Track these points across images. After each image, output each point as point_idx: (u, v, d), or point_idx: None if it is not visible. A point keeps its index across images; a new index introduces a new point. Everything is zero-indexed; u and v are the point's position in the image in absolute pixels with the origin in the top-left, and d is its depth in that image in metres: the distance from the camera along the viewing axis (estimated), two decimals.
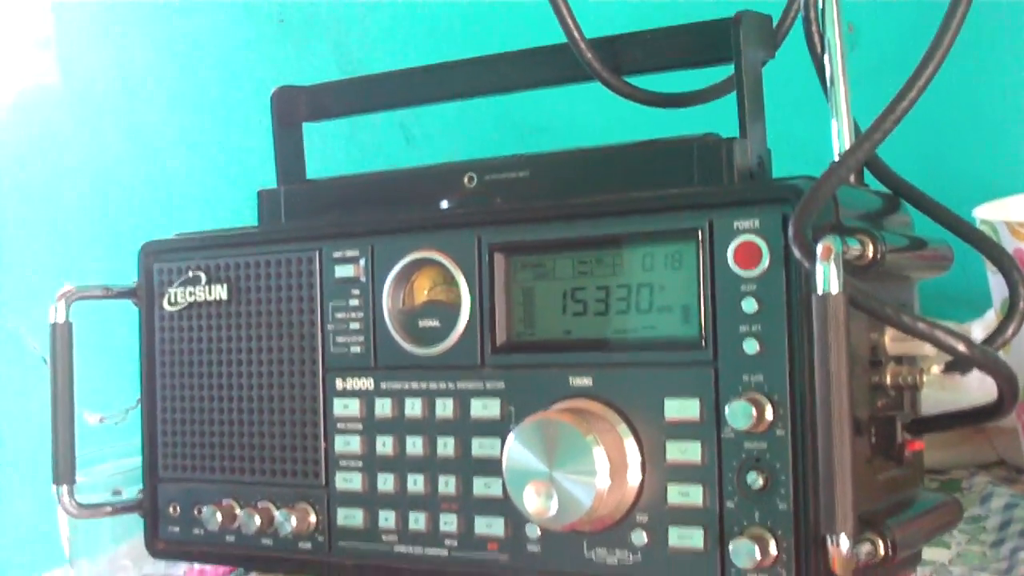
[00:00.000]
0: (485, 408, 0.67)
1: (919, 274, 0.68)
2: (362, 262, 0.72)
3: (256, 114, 1.28)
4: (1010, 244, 0.70)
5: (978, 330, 0.93)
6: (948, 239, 0.69)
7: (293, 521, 0.72)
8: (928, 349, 0.63)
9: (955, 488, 0.87)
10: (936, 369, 0.63)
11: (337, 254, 0.72)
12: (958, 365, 0.63)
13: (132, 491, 0.82)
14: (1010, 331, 0.64)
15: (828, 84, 0.70)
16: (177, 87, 1.45)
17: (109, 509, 0.80)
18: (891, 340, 0.63)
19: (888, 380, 0.63)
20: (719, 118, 0.75)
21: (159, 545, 0.80)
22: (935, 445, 0.90)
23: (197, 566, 0.84)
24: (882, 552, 0.58)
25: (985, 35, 0.98)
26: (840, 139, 0.69)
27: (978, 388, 0.72)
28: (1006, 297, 0.71)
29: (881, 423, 0.63)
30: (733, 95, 0.74)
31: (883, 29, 1.01)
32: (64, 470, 0.77)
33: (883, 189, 0.69)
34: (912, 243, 0.66)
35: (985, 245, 0.68)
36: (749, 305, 0.60)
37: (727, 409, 0.60)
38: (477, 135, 1.25)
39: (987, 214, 0.74)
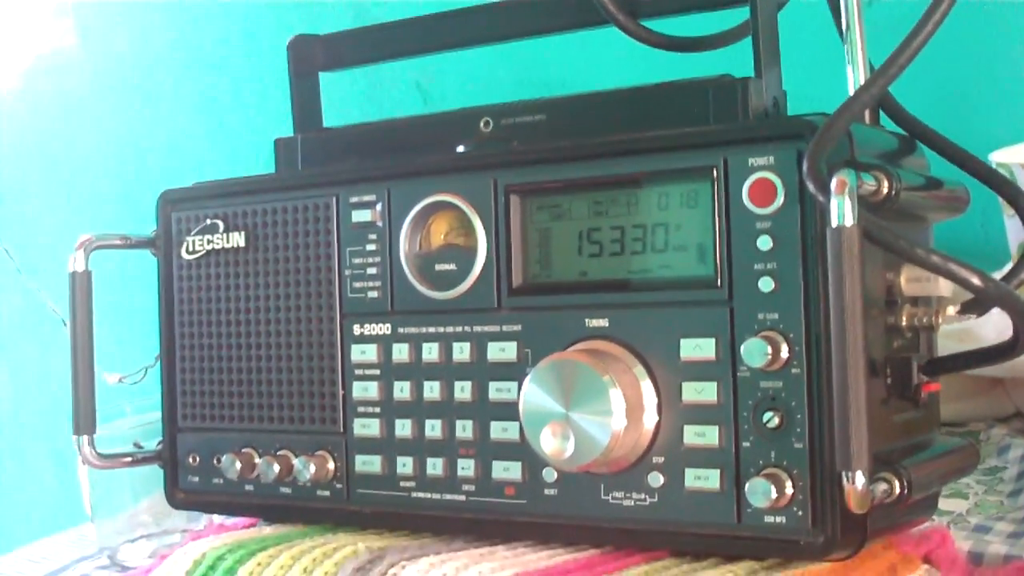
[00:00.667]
0: (502, 351, 0.67)
1: (934, 215, 0.67)
2: (379, 207, 0.72)
3: (272, 71, 1.28)
4: None
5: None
6: (965, 183, 0.68)
7: (312, 468, 0.72)
8: (944, 290, 0.62)
9: (974, 440, 0.87)
10: (952, 310, 0.63)
11: (354, 199, 0.72)
12: (974, 306, 0.62)
13: (153, 444, 0.82)
14: None
15: (844, 29, 0.69)
16: (192, 45, 1.45)
17: (129, 459, 0.80)
18: (907, 280, 0.62)
19: (904, 321, 0.62)
20: (736, 64, 0.74)
21: (179, 495, 0.80)
22: (953, 397, 0.90)
23: (217, 519, 0.84)
24: (897, 491, 0.58)
25: None
26: (856, 84, 0.68)
27: (996, 339, 0.71)
28: (1023, 240, 0.71)
29: (897, 364, 0.63)
30: (749, 39, 0.74)
31: None
32: (85, 420, 0.77)
33: (899, 131, 0.69)
34: (928, 183, 0.65)
35: (1001, 185, 0.67)
36: (764, 243, 0.60)
37: (742, 348, 0.60)
38: (493, 89, 1.25)
39: (1003, 158, 0.74)
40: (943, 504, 0.74)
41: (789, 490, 0.59)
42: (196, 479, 0.79)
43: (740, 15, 0.72)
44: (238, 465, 0.75)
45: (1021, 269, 0.64)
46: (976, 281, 0.56)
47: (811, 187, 0.57)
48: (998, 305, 0.58)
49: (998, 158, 0.74)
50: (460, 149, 0.72)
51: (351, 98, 1.27)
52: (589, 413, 0.62)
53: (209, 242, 0.77)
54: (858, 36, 0.69)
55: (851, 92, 0.68)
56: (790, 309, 0.60)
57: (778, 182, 0.60)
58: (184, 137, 1.45)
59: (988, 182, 0.68)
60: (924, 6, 0.60)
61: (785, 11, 0.69)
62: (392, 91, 1.27)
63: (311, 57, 0.82)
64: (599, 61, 1.11)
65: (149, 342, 0.83)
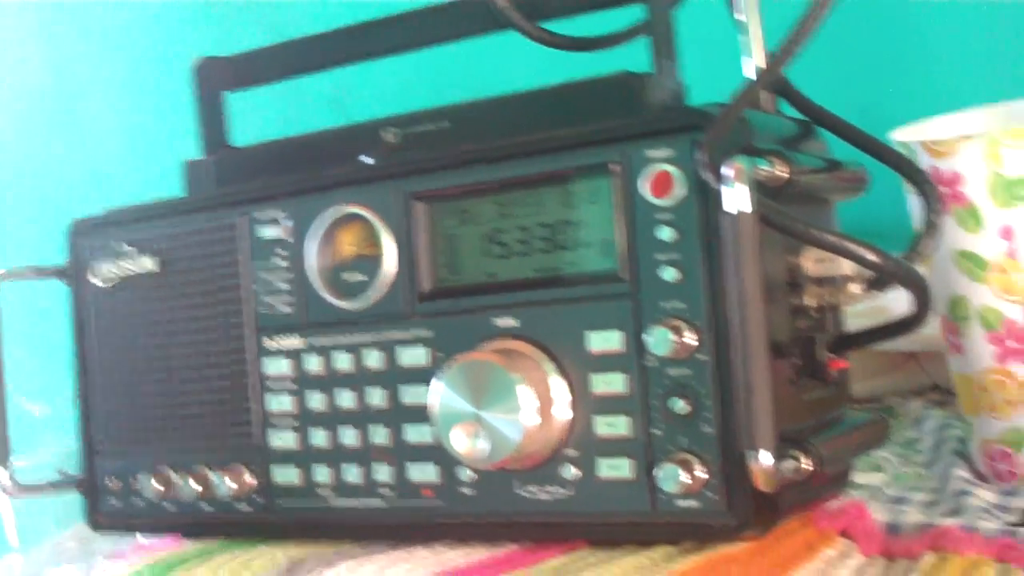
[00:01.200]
0: (414, 356, 0.67)
1: (836, 196, 0.68)
2: (287, 222, 0.72)
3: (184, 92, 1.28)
4: (927, 163, 0.70)
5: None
6: (868, 167, 0.69)
7: (229, 483, 0.72)
8: (847, 269, 0.63)
9: (890, 414, 0.88)
10: (856, 288, 0.64)
11: (262, 216, 0.72)
12: (878, 283, 0.63)
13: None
14: (927, 245, 0.65)
15: (739, 18, 0.70)
16: (107, 70, 1.44)
17: (47, 486, 0.80)
18: (810, 262, 0.63)
19: (808, 301, 0.63)
20: (637, 61, 0.75)
21: (100, 519, 0.79)
22: (869, 375, 0.91)
23: (141, 539, 0.83)
24: (806, 467, 0.59)
25: None
26: (750, 62, 0.69)
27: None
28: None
29: (803, 343, 0.63)
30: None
31: None
32: (0, 450, 0.77)
33: (799, 116, 0.70)
34: (826, 165, 0.66)
35: (899, 163, 0.68)
36: (665, 234, 0.61)
37: (649, 337, 0.60)
38: (411, 99, 1.25)
39: (904, 136, 0.75)
40: (861, 479, 0.75)
41: (701, 474, 0.60)
42: (116, 502, 0.78)
43: (639, 13, 0.73)
44: (155, 483, 0.75)
45: (921, 244, 0.64)
46: (872, 257, 0.57)
47: (707, 176, 0.57)
48: (895, 280, 0.59)
49: (899, 136, 0.75)
50: (367, 160, 0.72)
51: (267, 120, 1.26)
52: (500, 411, 0.62)
53: (122, 268, 0.77)
54: (754, 25, 0.69)
55: (744, 70, 0.69)
56: (694, 297, 0.60)
57: (677, 173, 0.61)
58: (100, 162, 1.45)
59: (887, 161, 0.69)
60: None
61: (685, 6, 0.70)
62: (308, 106, 1.27)
63: (217, 77, 0.82)
64: (508, 65, 1.11)
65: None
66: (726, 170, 0.56)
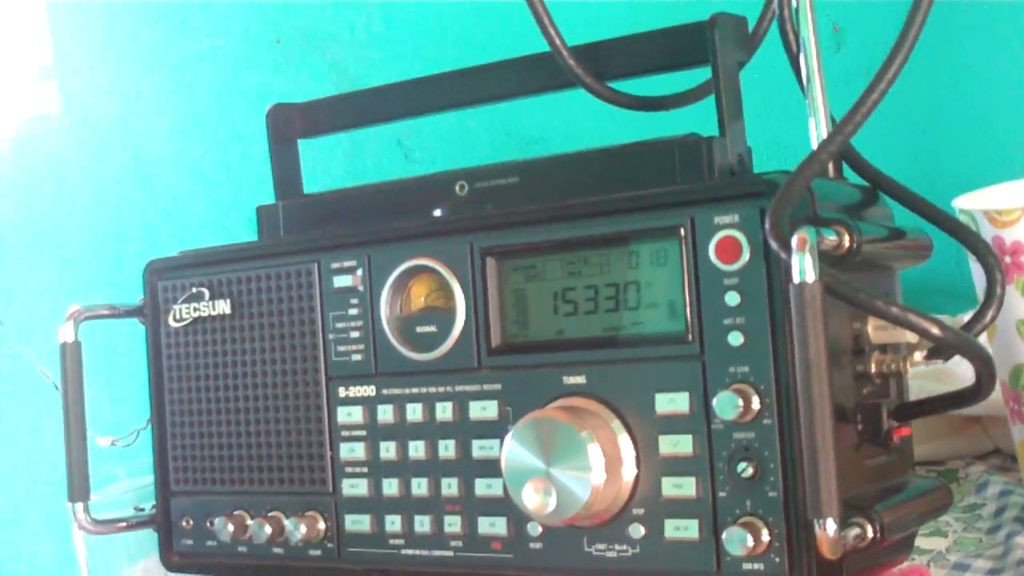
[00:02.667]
0: (483, 409, 0.69)
1: (899, 263, 0.69)
2: (359, 272, 0.74)
3: (255, 134, 1.30)
4: (989, 232, 0.71)
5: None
6: (929, 231, 0.70)
7: (303, 529, 0.74)
8: (911, 337, 0.64)
9: (952, 478, 0.89)
10: (919, 356, 0.65)
11: (335, 265, 0.74)
12: (940, 351, 0.64)
13: (148, 507, 0.84)
14: (988, 315, 0.66)
15: (805, 83, 0.71)
16: (176, 110, 1.47)
17: (124, 524, 0.82)
18: (874, 329, 0.65)
19: (872, 368, 0.64)
20: (705, 118, 0.77)
21: (174, 558, 0.81)
22: (931, 437, 0.91)
23: None
24: (870, 535, 0.60)
25: (963, 29, 0.99)
26: (818, 137, 0.71)
27: (970, 378, 0.73)
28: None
29: (867, 410, 0.64)
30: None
31: (868, 28, 1.02)
32: (78, 487, 0.79)
33: (862, 182, 0.71)
34: (890, 233, 0.67)
35: (960, 232, 0.69)
36: (732, 298, 0.62)
37: (715, 401, 0.62)
38: (474, 148, 1.27)
39: (966, 204, 0.76)
40: (923, 543, 0.76)
41: (766, 537, 0.61)
42: (190, 542, 0.80)
43: (706, 72, 0.75)
44: (231, 527, 0.77)
45: (984, 314, 0.65)
46: (935, 331, 0.58)
47: (773, 244, 0.59)
48: (958, 352, 0.60)
49: (961, 204, 0.76)
50: (437, 213, 0.74)
51: (333, 158, 1.29)
52: (569, 468, 0.63)
53: (195, 310, 0.79)
54: (818, 88, 0.71)
55: (813, 144, 0.70)
56: (759, 362, 0.61)
57: (743, 239, 0.62)
58: (170, 202, 1.47)
59: (949, 231, 0.70)
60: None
61: (748, 65, 0.72)
62: (374, 150, 1.29)
63: (290, 125, 0.84)
64: (576, 114, 1.13)
65: (139, 404, 0.84)
66: (792, 239, 0.57)
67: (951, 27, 0.99)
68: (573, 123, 1.20)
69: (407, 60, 1.28)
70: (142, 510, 0.85)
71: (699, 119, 0.77)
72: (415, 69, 0.81)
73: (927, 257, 0.71)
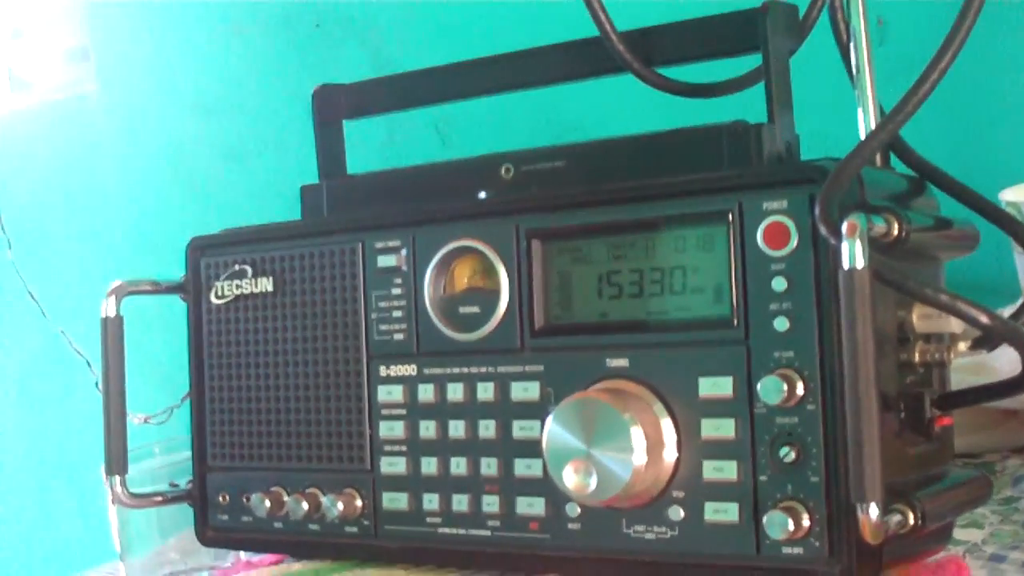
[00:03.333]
0: (525, 391, 0.69)
1: (945, 254, 0.69)
2: (404, 252, 0.74)
3: (294, 118, 1.31)
4: None
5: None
6: (975, 222, 0.70)
7: (340, 506, 0.74)
8: (955, 326, 0.64)
9: (989, 471, 0.89)
10: (963, 346, 0.65)
11: (379, 244, 0.75)
12: (984, 342, 0.64)
13: (182, 483, 0.84)
14: None
15: (854, 72, 0.71)
16: (214, 92, 1.48)
17: (160, 499, 0.82)
18: (919, 318, 0.64)
19: (916, 357, 0.64)
20: (749, 108, 0.77)
21: (209, 533, 0.82)
22: (968, 430, 0.91)
23: (244, 556, 0.86)
24: (912, 522, 0.60)
25: (1012, 22, 0.99)
26: (866, 127, 0.71)
27: (1009, 371, 0.73)
28: None
29: (910, 399, 0.65)
30: (762, 84, 0.76)
31: (912, 23, 1.02)
32: (116, 461, 0.79)
33: (909, 172, 0.71)
34: (937, 223, 0.67)
35: (1009, 224, 0.69)
36: (779, 284, 0.62)
37: (759, 385, 0.62)
38: (511, 133, 1.27)
39: (1013, 196, 0.76)
40: (959, 534, 0.76)
41: (806, 522, 0.61)
42: (225, 517, 0.81)
43: (754, 61, 0.75)
44: (267, 503, 0.77)
45: None
46: (984, 319, 0.58)
47: (823, 231, 0.59)
48: (1005, 341, 0.60)
49: (1007, 196, 0.76)
50: (482, 195, 0.75)
51: (371, 142, 1.29)
52: (610, 450, 0.64)
53: (238, 287, 0.80)
54: (868, 78, 0.71)
55: (861, 134, 0.70)
56: (805, 348, 0.62)
57: (792, 225, 0.62)
58: (206, 181, 1.48)
59: (996, 221, 0.70)
60: (938, 42, 0.62)
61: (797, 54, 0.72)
62: (411, 134, 1.30)
63: (335, 106, 0.85)
64: (616, 102, 1.13)
65: (170, 382, 0.85)
66: (842, 226, 0.57)
67: (1000, 20, 1.00)
68: (612, 110, 1.20)
69: (447, 42, 1.28)
70: (177, 486, 0.85)
71: (739, 109, 0.77)
72: (455, 51, 0.82)
73: (974, 248, 0.70)
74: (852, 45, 0.71)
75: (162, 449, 0.93)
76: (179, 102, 1.50)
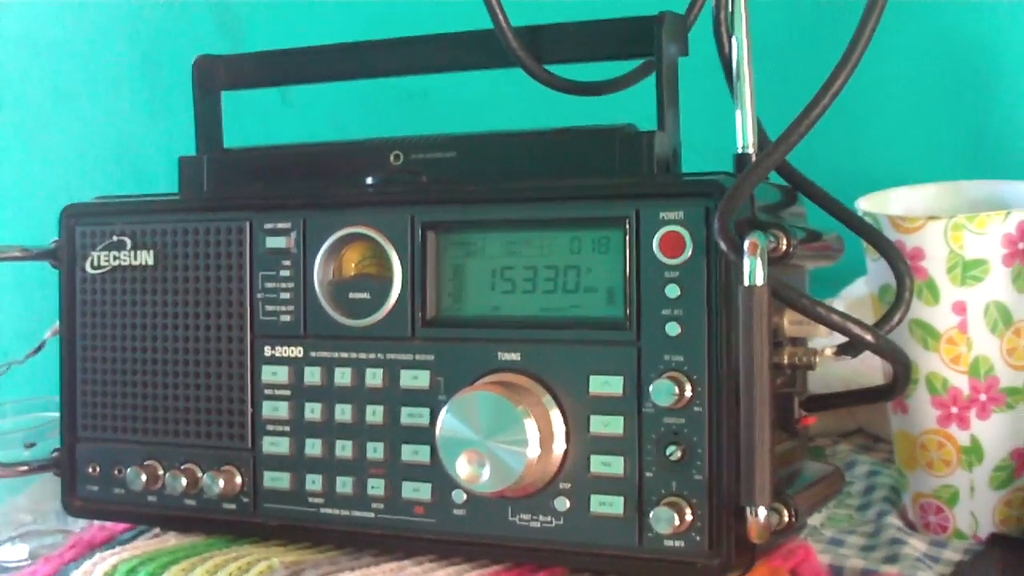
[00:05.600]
0: (415, 379, 0.71)
1: (813, 263, 0.74)
2: (293, 234, 0.74)
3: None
4: (891, 236, 0.76)
5: (840, 305, 1.00)
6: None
7: (220, 483, 0.74)
8: (822, 332, 0.69)
9: (820, 455, 0.95)
10: (829, 351, 0.69)
11: (268, 225, 0.75)
12: (849, 348, 0.69)
13: (43, 444, 0.83)
14: (896, 318, 0.70)
15: (735, 80, 0.74)
16: (94, 60, 1.44)
17: (25, 468, 0.81)
18: (789, 323, 0.68)
19: (786, 360, 0.68)
20: (614, 105, 0.80)
21: (77, 503, 0.81)
22: None
23: (96, 523, 0.85)
24: (787, 519, 0.64)
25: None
26: (744, 133, 0.73)
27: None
28: (885, 283, 0.78)
29: (780, 399, 0.69)
30: (637, 86, 0.79)
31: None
32: None
33: (781, 182, 0.75)
34: (809, 235, 0.71)
35: (874, 237, 0.74)
36: (672, 291, 0.65)
37: (652, 387, 0.65)
38: (351, 96, 1.27)
39: (869, 206, 0.81)
40: None
41: (689, 517, 0.65)
42: (96, 488, 0.80)
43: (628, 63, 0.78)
44: (144, 477, 0.77)
45: (892, 316, 0.70)
46: (869, 338, 0.63)
47: (723, 246, 0.62)
48: (884, 357, 0.65)
49: (864, 206, 0.80)
50: (369, 180, 0.75)
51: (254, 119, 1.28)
52: (505, 442, 0.66)
53: (115, 258, 0.79)
54: (747, 88, 0.73)
55: (738, 143, 0.73)
56: (694, 352, 0.65)
57: (687, 235, 0.65)
58: (80, 151, 1.45)
59: (860, 232, 0.74)
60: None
61: None
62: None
63: (215, 76, 0.84)
64: (500, 98, 1.14)
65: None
66: (745, 244, 0.61)
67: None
68: (458, 80, 1.21)
69: (351, 24, 1.28)
70: (33, 445, 0.84)
71: (606, 105, 0.80)
72: (357, 33, 0.82)
73: (838, 258, 0.75)
74: (734, 57, 0.74)
75: (14, 409, 0.92)
76: (64, 65, 1.45)
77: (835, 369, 0.93)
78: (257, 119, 1.24)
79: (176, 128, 1.30)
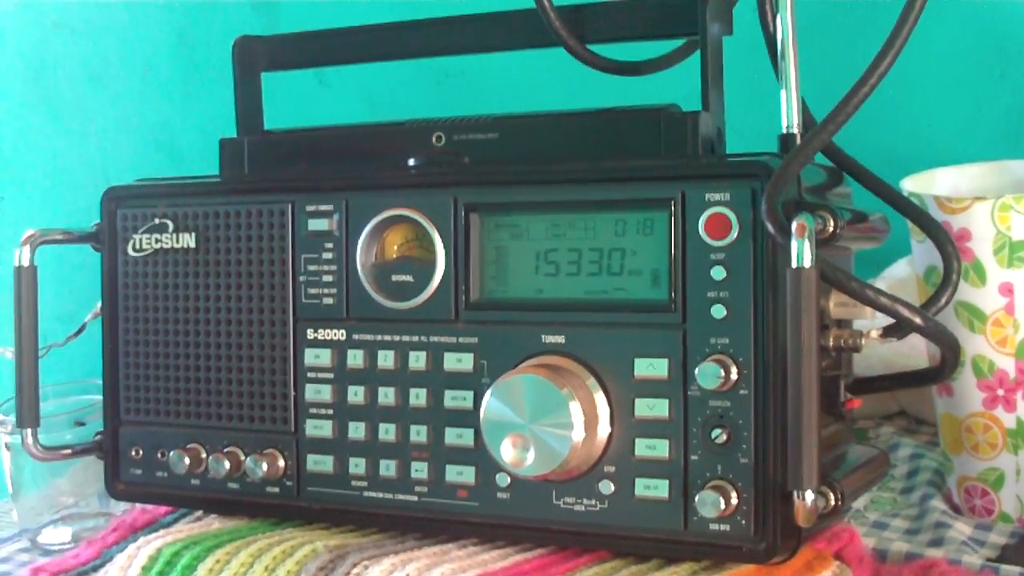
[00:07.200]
0: (459, 361, 0.71)
1: (859, 245, 0.73)
2: (336, 216, 0.74)
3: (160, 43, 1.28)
4: (938, 217, 0.75)
5: (882, 285, 0.99)
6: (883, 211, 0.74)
7: (264, 466, 0.74)
8: (867, 314, 0.68)
9: (863, 437, 0.94)
10: (875, 333, 0.68)
11: (311, 207, 0.75)
12: (895, 330, 0.68)
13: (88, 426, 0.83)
14: (943, 300, 0.70)
15: (779, 59, 0.73)
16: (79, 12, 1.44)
17: (69, 451, 0.81)
18: (835, 305, 0.68)
19: (831, 343, 0.68)
20: (657, 84, 0.79)
21: (120, 487, 0.81)
22: None
23: (138, 506, 0.85)
24: (833, 503, 0.64)
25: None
26: (789, 113, 0.73)
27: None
28: (931, 265, 0.77)
29: (826, 382, 0.68)
30: (678, 66, 0.79)
31: None
32: (29, 413, 0.78)
33: (826, 162, 0.74)
34: (855, 216, 0.71)
35: (921, 218, 0.73)
36: (718, 273, 0.65)
37: (697, 369, 0.64)
38: (388, 76, 1.27)
39: (915, 186, 0.80)
40: None
41: (734, 501, 0.64)
42: (139, 472, 0.80)
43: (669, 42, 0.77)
44: (187, 460, 0.77)
45: (939, 298, 0.69)
46: (918, 321, 0.62)
47: (771, 228, 0.61)
48: (933, 340, 0.64)
49: (909, 186, 0.80)
50: (411, 162, 0.75)
51: (295, 100, 1.28)
52: (550, 426, 0.66)
53: (157, 241, 0.79)
54: (792, 68, 0.73)
55: (783, 122, 0.73)
56: (740, 335, 0.64)
57: (733, 217, 0.65)
58: (116, 133, 1.45)
59: (906, 213, 0.74)
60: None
61: None
62: (339, 95, 1.30)
63: (255, 58, 0.83)
64: (542, 79, 1.14)
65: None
66: (792, 225, 0.60)
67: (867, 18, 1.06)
68: (493, 57, 1.21)
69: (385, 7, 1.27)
70: (82, 424, 0.84)
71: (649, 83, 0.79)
72: (390, 12, 0.81)
73: (883, 239, 0.74)
74: (779, 33, 0.73)
75: (55, 392, 0.92)
76: (103, 47, 1.45)
77: (878, 350, 0.93)
78: (293, 99, 1.23)
79: (212, 109, 1.30)
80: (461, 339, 0.71)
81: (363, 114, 1.30)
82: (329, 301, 0.74)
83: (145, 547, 0.72)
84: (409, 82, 1.29)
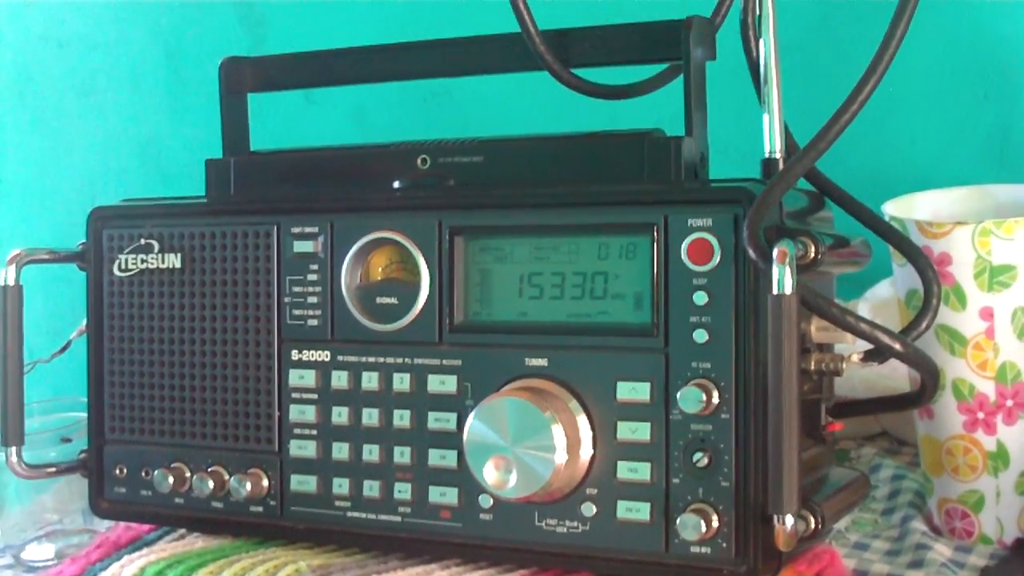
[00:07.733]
0: (442, 384, 0.71)
1: (840, 269, 0.73)
2: (321, 238, 0.74)
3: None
4: (919, 241, 0.76)
5: (864, 308, 1.00)
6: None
7: (248, 486, 0.75)
8: (848, 338, 0.69)
9: (844, 458, 0.95)
10: (856, 357, 0.69)
11: (296, 229, 0.75)
12: (876, 355, 0.69)
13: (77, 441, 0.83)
14: (924, 324, 0.71)
15: (762, 84, 0.74)
16: (117, 61, 1.45)
17: (53, 469, 0.82)
18: (816, 330, 0.68)
19: (813, 366, 0.68)
20: (634, 109, 0.80)
21: (104, 505, 0.81)
22: None
23: (123, 524, 0.85)
24: (813, 526, 0.65)
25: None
26: (772, 139, 0.73)
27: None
28: (912, 288, 0.78)
29: (807, 406, 0.69)
30: (661, 90, 0.79)
31: None
32: (13, 432, 0.78)
33: (808, 187, 0.75)
34: (837, 241, 0.71)
35: (901, 243, 0.74)
36: (700, 298, 0.65)
37: (679, 393, 0.65)
38: (370, 92, 1.27)
39: (896, 210, 0.80)
40: None
41: (715, 524, 0.65)
42: (123, 490, 0.80)
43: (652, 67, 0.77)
44: (171, 479, 0.77)
45: (919, 323, 0.70)
46: (897, 347, 0.63)
47: (752, 255, 0.62)
48: (911, 365, 0.65)
49: (891, 210, 0.80)
50: (396, 184, 0.76)
51: (284, 121, 1.28)
52: (533, 448, 0.66)
53: (143, 261, 0.79)
54: (775, 93, 0.73)
55: (766, 146, 0.73)
56: (722, 359, 0.65)
57: (715, 243, 0.65)
58: (103, 149, 1.45)
59: (887, 238, 0.74)
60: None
61: None
62: (328, 114, 1.30)
63: (241, 79, 0.84)
64: (526, 101, 1.14)
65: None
66: (773, 252, 0.61)
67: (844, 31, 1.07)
68: (480, 78, 1.22)
69: (373, 23, 1.28)
70: (69, 440, 0.85)
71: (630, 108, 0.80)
72: (379, 32, 0.82)
73: (865, 264, 0.75)
74: (762, 59, 0.74)
75: (40, 409, 0.92)
76: (88, 68, 1.46)
77: (859, 371, 0.93)
78: (280, 116, 1.24)
79: (199, 126, 1.31)
80: (445, 361, 0.71)
81: (350, 131, 1.30)
82: (314, 322, 0.75)
83: (129, 566, 0.72)
84: (396, 101, 1.30)
